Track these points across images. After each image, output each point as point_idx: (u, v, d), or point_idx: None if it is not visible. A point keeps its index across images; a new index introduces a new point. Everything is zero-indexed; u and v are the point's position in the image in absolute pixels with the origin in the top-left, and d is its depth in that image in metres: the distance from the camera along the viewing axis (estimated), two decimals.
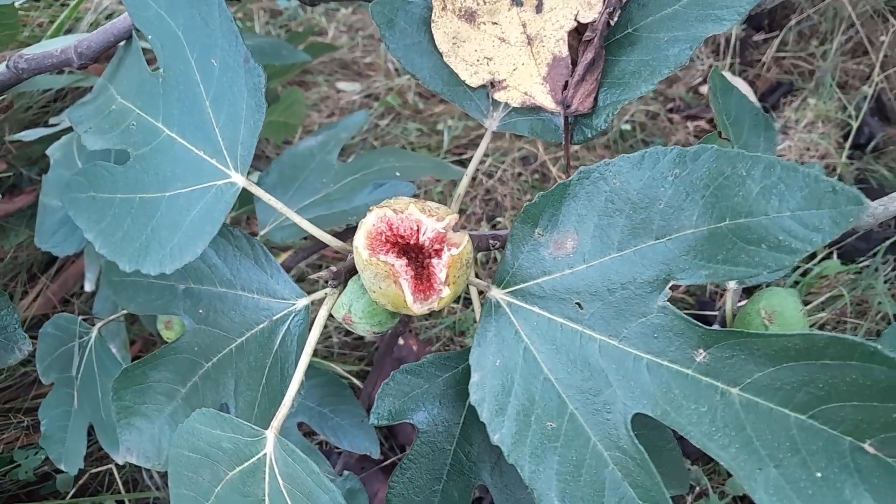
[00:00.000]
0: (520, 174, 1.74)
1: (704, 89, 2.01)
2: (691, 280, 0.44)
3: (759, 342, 0.41)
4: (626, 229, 0.46)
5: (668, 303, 0.45)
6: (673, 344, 0.45)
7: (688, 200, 0.43)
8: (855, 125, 1.76)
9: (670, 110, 1.94)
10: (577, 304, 0.48)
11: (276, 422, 0.52)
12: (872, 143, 1.76)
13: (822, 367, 0.39)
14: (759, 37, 2.11)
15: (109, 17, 1.49)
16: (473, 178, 1.69)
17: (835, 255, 1.53)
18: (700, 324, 0.44)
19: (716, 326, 0.68)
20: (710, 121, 1.92)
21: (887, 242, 1.55)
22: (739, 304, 0.68)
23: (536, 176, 1.74)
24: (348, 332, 1.41)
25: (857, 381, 0.38)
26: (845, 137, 1.77)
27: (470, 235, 0.56)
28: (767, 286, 0.68)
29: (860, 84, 1.91)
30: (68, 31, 1.43)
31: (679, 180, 0.43)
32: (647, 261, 0.45)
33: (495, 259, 1.52)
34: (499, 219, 1.64)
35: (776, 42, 2.03)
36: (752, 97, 1.97)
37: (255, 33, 1.46)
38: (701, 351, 0.44)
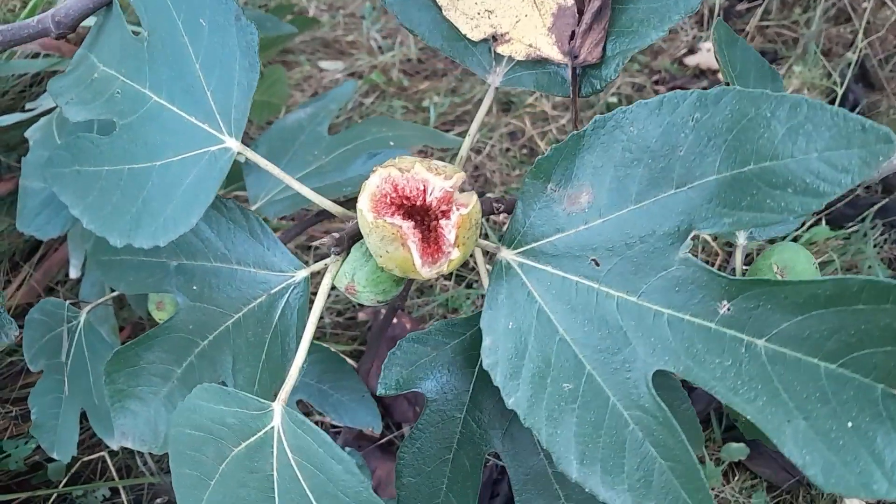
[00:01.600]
0: (507, 149, 1.72)
1: (689, 60, 2.00)
2: (714, 229, 0.42)
3: (786, 290, 0.40)
4: (645, 179, 0.44)
5: (690, 254, 0.43)
6: (695, 297, 0.43)
7: (709, 145, 0.41)
8: (840, 92, 1.76)
9: (656, 82, 1.93)
10: (594, 260, 0.46)
11: (284, 394, 0.50)
12: (857, 110, 1.76)
13: (853, 313, 0.38)
14: (742, 6, 2.10)
15: None
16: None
17: (823, 222, 1.53)
18: (724, 274, 0.42)
19: None
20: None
21: (874, 207, 1.55)
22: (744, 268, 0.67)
23: (525, 151, 1.72)
24: (340, 313, 1.39)
25: (891, 326, 0.37)
26: (830, 104, 1.77)
27: None
28: (771, 242, 0.67)
29: (843, 51, 1.91)
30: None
31: (700, 125, 0.41)
32: (667, 211, 0.43)
33: (496, 226, 1.50)
34: (488, 194, 1.62)
35: (760, 11, 2.02)
36: None
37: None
38: (724, 303, 0.42)
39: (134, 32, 0.60)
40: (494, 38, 0.55)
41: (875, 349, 0.38)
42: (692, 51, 2.00)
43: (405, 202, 0.48)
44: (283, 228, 1.19)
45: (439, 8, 0.55)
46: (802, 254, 0.58)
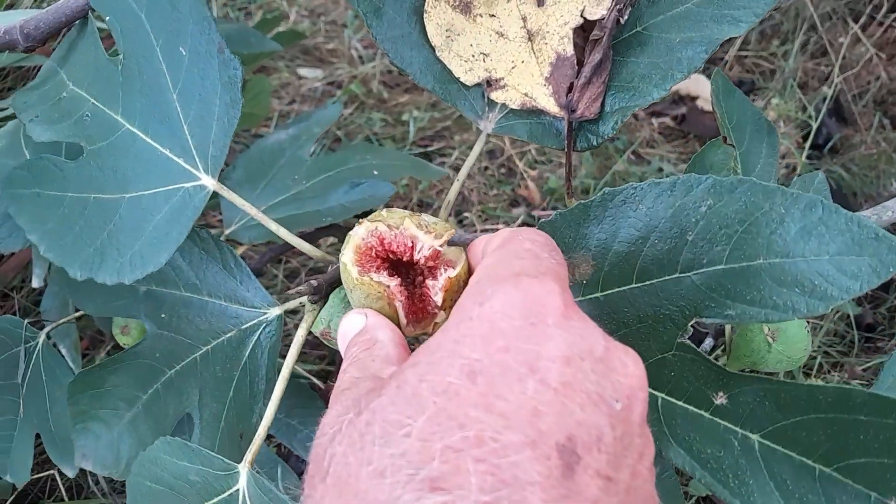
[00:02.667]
0: (486, 168, 1.70)
1: None
2: (716, 319, 0.40)
3: (787, 389, 0.39)
4: (649, 259, 0.42)
5: (688, 341, 0.42)
6: (691, 384, 0.42)
7: (720, 234, 0.40)
8: (815, 125, 1.78)
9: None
10: None
11: (250, 455, 0.48)
12: (830, 144, 1.79)
13: (854, 423, 0.37)
14: None
15: None
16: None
17: None
18: (721, 366, 0.41)
19: (709, 341, 0.66)
20: (675, 118, 1.92)
21: None
22: None
23: (503, 170, 1.71)
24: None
25: (891, 440, 0.36)
26: (805, 137, 1.79)
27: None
28: None
29: (819, 84, 1.93)
30: (10, 7, 1.34)
31: (712, 212, 0.40)
32: (669, 295, 0.42)
33: None
34: (466, 213, 1.60)
35: (739, 41, 2.04)
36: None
37: (220, 18, 1.38)
38: (721, 393, 0.41)
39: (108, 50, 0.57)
40: (489, 82, 0.53)
41: (872, 459, 0.37)
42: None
43: (391, 255, 0.46)
44: (258, 247, 1.15)
45: (433, 48, 0.53)
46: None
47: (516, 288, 0.29)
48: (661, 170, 1.74)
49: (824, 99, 1.82)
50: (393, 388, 0.27)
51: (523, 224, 1.59)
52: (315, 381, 1.25)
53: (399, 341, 0.36)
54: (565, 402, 0.26)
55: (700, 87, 1.99)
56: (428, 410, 0.26)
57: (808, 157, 1.75)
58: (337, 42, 1.90)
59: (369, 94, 1.77)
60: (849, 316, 1.44)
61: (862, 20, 1.97)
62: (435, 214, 0.54)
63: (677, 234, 0.41)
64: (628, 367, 0.29)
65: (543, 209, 1.64)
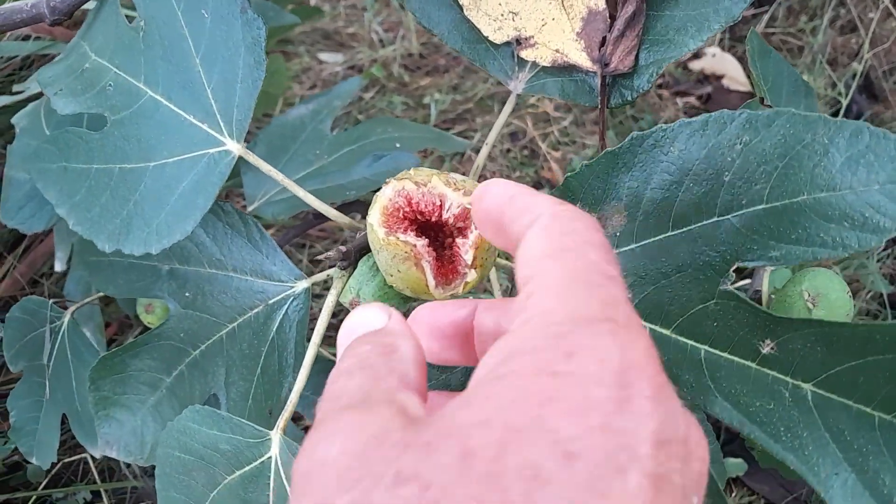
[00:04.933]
0: (508, 150, 1.68)
1: (694, 65, 1.97)
2: (760, 262, 0.38)
3: (840, 332, 0.37)
4: (685, 204, 0.40)
5: (733, 287, 0.40)
6: (736, 333, 0.40)
7: (759, 171, 0.38)
8: (844, 102, 1.74)
9: (659, 86, 1.90)
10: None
11: (282, 422, 0.47)
12: (861, 121, 1.75)
13: None
14: (748, 12, 2.07)
15: None
16: (462, 154, 1.63)
17: None
18: (768, 311, 0.39)
19: None
20: (700, 97, 1.89)
21: None
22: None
23: (526, 152, 1.69)
24: (335, 314, 1.35)
25: None
26: (835, 115, 1.75)
27: None
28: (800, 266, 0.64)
29: (849, 61, 1.88)
30: None
31: (749, 149, 0.38)
32: (708, 240, 0.40)
33: None
34: None
35: (766, 17, 1.99)
36: (742, 74, 1.94)
37: None
38: (768, 341, 0.39)
39: (129, 18, 0.56)
40: (518, 41, 0.51)
41: None
42: (697, 55, 1.97)
43: (419, 217, 0.45)
44: (280, 225, 1.15)
45: (461, 7, 0.51)
46: (836, 281, 0.55)
47: (613, 340, 0.23)
48: None
49: (854, 75, 1.78)
50: (455, 455, 0.20)
51: None
52: None
53: (421, 362, 0.28)
54: (659, 499, 0.21)
55: (726, 65, 1.96)
56: (515, 501, 0.19)
57: None
58: (357, 26, 1.88)
59: (390, 78, 1.76)
60: (881, 295, 1.41)
61: None
62: None
63: (713, 176, 0.39)
64: (700, 450, 0.24)
65: None
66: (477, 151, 1.65)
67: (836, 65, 1.88)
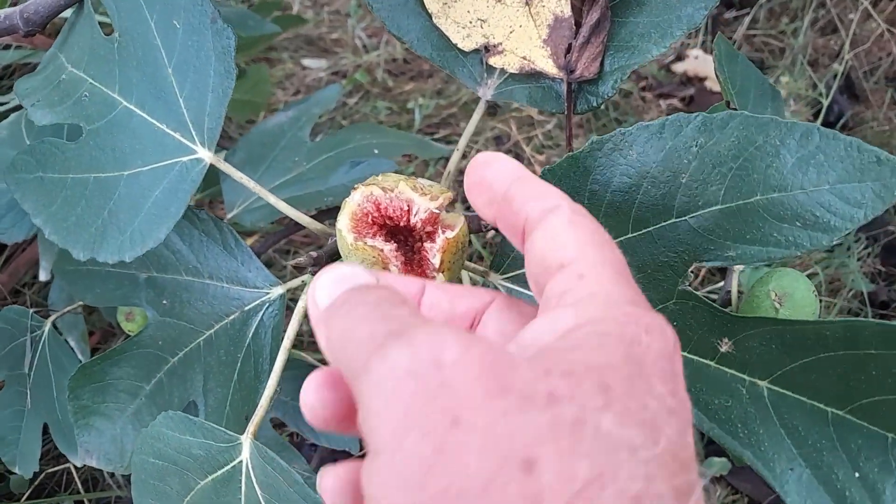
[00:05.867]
0: None
1: (677, 67, 1.99)
2: (717, 262, 0.39)
3: (792, 330, 0.38)
4: (644, 206, 0.41)
5: (690, 287, 0.41)
6: (694, 333, 0.41)
7: (714, 173, 0.39)
8: (825, 103, 1.75)
9: (643, 88, 1.91)
10: None
11: (252, 426, 0.47)
12: (842, 121, 1.76)
13: (864, 358, 0.36)
14: (730, 14, 2.09)
15: None
16: (446, 159, 1.64)
17: None
18: (725, 311, 0.40)
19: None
20: (683, 99, 1.90)
21: None
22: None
23: (510, 156, 1.70)
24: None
25: None
26: (816, 115, 1.77)
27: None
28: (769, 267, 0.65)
29: (830, 62, 1.90)
30: (14, 5, 1.34)
31: (704, 151, 0.39)
32: (666, 241, 0.41)
33: (480, 257, 1.47)
34: None
35: (747, 20, 2.01)
36: None
37: (217, 1, 1.38)
38: (725, 340, 0.40)
39: (103, 25, 0.57)
40: (486, 48, 0.52)
41: (886, 396, 0.36)
42: (680, 58, 1.99)
43: (388, 222, 0.45)
44: (265, 231, 1.15)
45: (429, 15, 0.52)
46: (802, 281, 0.56)
47: (667, 326, 0.25)
48: None
49: (835, 76, 1.80)
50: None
51: None
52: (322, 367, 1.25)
53: None
54: None
55: (708, 67, 1.97)
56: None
57: None
58: (340, 31, 1.89)
59: (374, 83, 1.77)
60: (862, 293, 1.42)
61: None
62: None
63: (670, 178, 0.40)
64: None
65: None
66: (462, 156, 1.66)
67: (817, 66, 1.90)
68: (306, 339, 1.31)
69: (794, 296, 0.55)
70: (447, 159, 1.65)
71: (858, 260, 1.51)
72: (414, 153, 0.83)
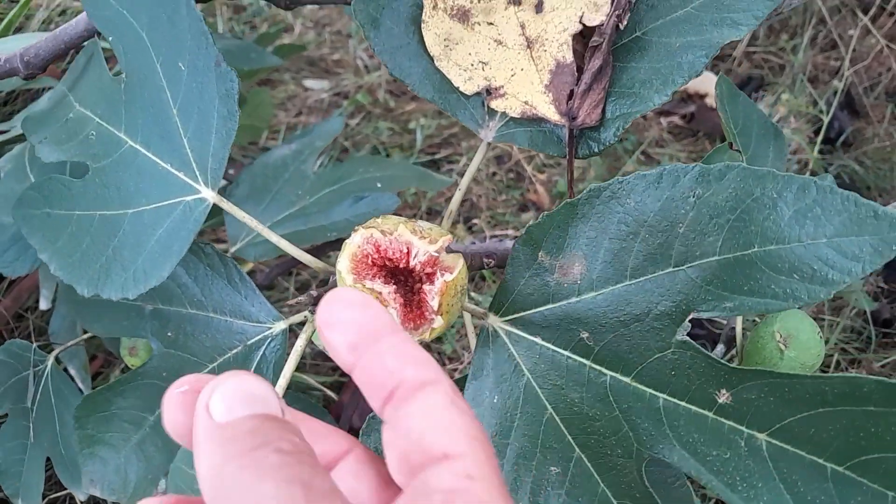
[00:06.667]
0: (494, 174, 1.70)
1: None
2: (714, 313, 0.40)
3: (791, 384, 0.38)
4: (642, 255, 0.42)
5: (689, 337, 0.41)
6: (693, 383, 0.41)
7: (711, 224, 0.39)
8: (826, 120, 1.76)
9: None
10: (585, 335, 0.44)
11: None
12: (842, 138, 1.77)
13: (864, 414, 0.36)
14: None
15: (62, 13, 1.41)
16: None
17: None
18: (723, 362, 0.40)
19: (720, 347, 0.65)
20: (684, 116, 1.91)
21: None
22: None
23: (511, 175, 1.70)
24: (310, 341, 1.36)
25: None
26: (816, 132, 1.77)
27: (463, 255, 0.52)
28: None
29: (830, 78, 1.91)
30: (18, 30, 1.35)
31: (701, 202, 0.39)
32: (664, 290, 0.41)
33: (483, 277, 1.47)
34: (475, 220, 1.60)
35: (747, 37, 2.03)
36: None
37: (220, 34, 1.39)
38: (724, 391, 0.40)
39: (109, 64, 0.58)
40: (488, 91, 0.52)
41: (885, 454, 0.36)
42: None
43: (387, 263, 0.46)
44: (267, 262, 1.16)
45: (431, 58, 0.53)
46: (807, 322, 0.56)
47: None
48: None
49: (835, 92, 1.80)
50: None
51: None
52: (329, 392, 1.25)
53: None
54: None
55: (708, 84, 1.98)
56: None
57: (821, 152, 1.73)
58: (342, 52, 1.90)
59: (375, 104, 1.78)
60: (865, 312, 1.43)
61: (872, 11, 1.95)
62: (442, 224, 0.54)
63: (668, 228, 0.40)
64: None
65: None
66: (462, 175, 1.67)
67: (818, 82, 1.90)
68: (308, 362, 1.31)
69: (798, 337, 0.56)
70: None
71: (861, 279, 1.51)
72: (416, 186, 0.84)
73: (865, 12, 1.93)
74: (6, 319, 1.09)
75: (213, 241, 1.32)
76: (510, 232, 1.59)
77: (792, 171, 1.72)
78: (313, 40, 1.92)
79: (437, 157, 1.69)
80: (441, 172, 1.69)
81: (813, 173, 1.69)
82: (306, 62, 1.88)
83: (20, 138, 0.88)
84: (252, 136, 1.27)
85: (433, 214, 1.57)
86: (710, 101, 1.93)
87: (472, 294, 1.42)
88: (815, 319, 1.45)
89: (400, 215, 0.52)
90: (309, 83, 1.81)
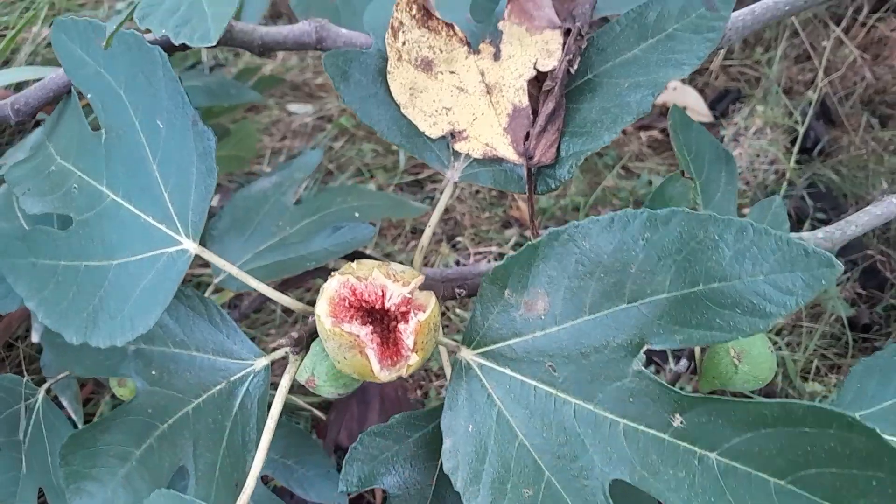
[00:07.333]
0: (477, 192, 1.73)
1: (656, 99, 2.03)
2: (665, 345, 0.43)
3: (736, 408, 0.41)
4: (598, 292, 0.45)
5: (648, 364, 0.44)
6: (649, 408, 0.44)
7: (660, 264, 0.42)
8: (801, 130, 1.80)
9: None
10: (551, 366, 0.47)
11: (241, 502, 0.50)
12: (819, 147, 1.80)
13: (800, 435, 0.39)
14: None
15: (48, 46, 1.43)
16: (431, 198, 1.68)
17: None
18: (676, 389, 0.43)
19: (683, 362, 0.68)
20: (663, 130, 1.94)
21: (837, 248, 1.58)
22: None
23: (494, 193, 1.73)
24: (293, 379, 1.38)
25: (835, 449, 0.38)
26: (793, 142, 1.81)
27: (434, 289, 0.54)
28: None
29: (804, 89, 1.95)
30: (6, 64, 1.37)
31: (650, 244, 0.43)
32: (620, 325, 0.44)
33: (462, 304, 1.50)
34: (458, 238, 1.62)
35: (722, 51, 2.07)
36: (703, 105, 2.00)
37: (201, 71, 1.41)
38: (677, 416, 0.43)
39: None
40: (452, 134, 0.55)
41: (822, 469, 0.39)
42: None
43: (364, 304, 0.49)
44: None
45: (398, 106, 0.56)
46: (759, 338, 0.59)
47: None
48: (650, 183, 1.76)
49: (810, 103, 1.84)
50: None
51: (517, 245, 1.61)
52: (317, 412, 1.27)
53: None
54: None
55: (687, 98, 2.02)
56: None
57: (798, 162, 1.77)
58: (324, 77, 1.93)
59: (359, 126, 1.81)
60: (843, 317, 1.45)
61: (844, 22, 1.99)
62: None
63: (620, 268, 0.44)
64: None
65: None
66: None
67: (793, 93, 1.94)
68: (295, 384, 1.33)
69: (751, 352, 0.59)
70: (431, 199, 1.69)
71: (838, 285, 1.54)
72: (391, 215, 0.87)
73: (838, 23, 1.98)
74: None
75: (198, 267, 1.34)
76: (494, 249, 1.61)
77: (769, 181, 1.75)
78: (296, 65, 1.95)
79: (420, 176, 1.72)
80: (424, 192, 1.72)
81: (790, 183, 1.72)
82: (290, 87, 1.91)
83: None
84: (237, 167, 1.29)
85: (417, 233, 1.60)
86: (690, 113, 1.97)
87: (458, 311, 1.45)
88: (794, 328, 1.48)
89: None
90: (293, 107, 1.84)
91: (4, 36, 1.34)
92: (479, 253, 1.61)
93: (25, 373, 0.92)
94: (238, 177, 1.63)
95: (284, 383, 0.54)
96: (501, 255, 1.60)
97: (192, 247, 0.54)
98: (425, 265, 1.55)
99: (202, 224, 0.52)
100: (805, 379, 1.38)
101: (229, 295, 1.09)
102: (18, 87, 1.25)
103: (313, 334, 0.56)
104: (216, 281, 0.81)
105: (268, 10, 1.84)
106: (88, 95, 0.56)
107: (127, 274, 0.54)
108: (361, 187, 1.05)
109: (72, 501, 0.62)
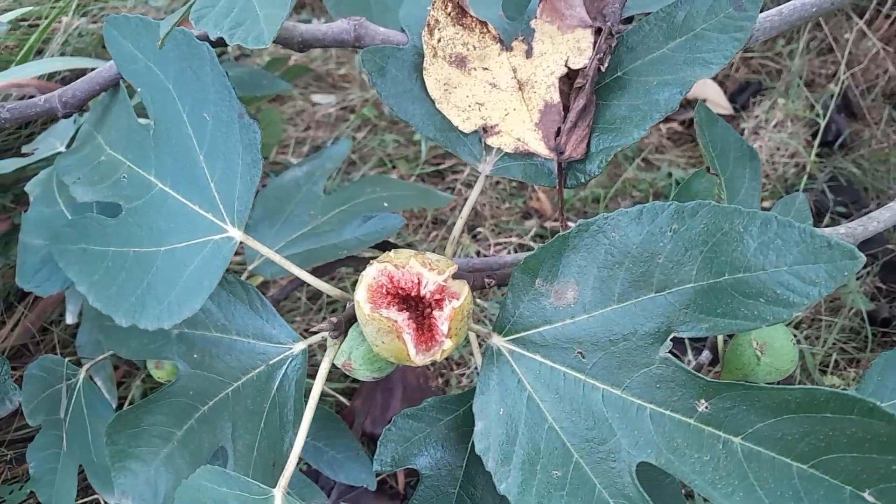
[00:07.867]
0: (497, 183, 1.74)
1: None
2: (691, 333, 0.45)
3: (760, 394, 0.43)
4: (627, 282, 0.47)
5: (670, 354, 0.46)
6: (675, 394, 0.46)
7: (687, 255, 0.44)
8: (823, 123, 1.79)
9: None
10: (580, 353, 0.49)
11: (284, 480, 0.52)
12: (840, 140, 1.80)
13: (822, 420, 0.41)
14: None
15: (80, 36, 1.46)
16: (452, 189, 1.70)
17: None
18: (701, 375, 0.45)
19: (706, 353, 0.70)
20: (683, 122, 1.94)
21: (857, 243, 1.58)
22: None
23: (514, 184, 1.75)
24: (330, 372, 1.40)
25: (856, 434, 0.40)
26: (814, 136, 1.80)
27: (466, 278, 0.57)
28: None
29: (826, 82, 1.94)
30: (38, 54, 1.40)
31: (678, 235, 0.44)
32: (647, 313, 0.46)
33: (482, 294, 1.51)
34: (479, 228, 1.64)
35: None
36: (723, 98, 2.00)
37: (232, 62, 1.44)
38: (703, 401, 0.45)
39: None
40: (485, 129, 0.57)
41: (843, 454, 0.41)
42: None
43: (401, 291, 0.51)
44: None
45: (432, 101, 0.58)
46: (781, 330, 0.61)
47: None
48: (670, 175, 1.77)
49: (832, 96, 1.84)
50: None
51: (536, 236, 1.62)
52: (341, 398, 1.30)
53: None
54: None
55: (707, 90, 2.01)
56: None
57: (819, 155, 1.76)
58: (348, 67, 1.95)
59: (381, 117, 1.83)
60: (862, 311, 1.46)
61: (867, 15, 1.97)
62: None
63: (649, 258, 0.46)
64: None
65: (555, 220, 1.67)
66: (467, 185, 1.71)
67: (814, 86, 1.94)
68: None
69: (773, 344, 0.60)
70: (452, 189, 1.70)
71: (858, 279, 1.54)
72: (419, 205, 0.89)
73: (861, 16, 1.96)
74: (32, 333, 1.14)
75: (232, 264, 1.37)
76: (514, 240, 1.63)
77: (789, 174, 1.75)
78: (319, 56, 1.97)
79: (441, 167, 1.74)
80: (446, 182, 1.74)
81: (810, 176, 1.72)
82: (313, 78, 1.93)
83: (46, 161, 0.93)
84: (263, 154, 1.32)
85: (438, 223, 1.62)
86: (710, 105, 1.97)
87: (478, 301, 1.47)
88: (813, 321, 1.48)
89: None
90: (316, 98, 1.86)
91: (37, 27, 1.37)
92: (500, 243, 1.63)
93: (60, 355, 0.95)
94: (263, 166, 1.66)
95: (325, 366, 0.56)
96: (521, 246, 1.62)
97: (237, 234, 0.56)
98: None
99: (247, 213, 0.55)
100: (824, 372, 1.39)
101: (257, 282, 1.11)
102: (51, 76, 1.28)
103: (350, 320, 0.59)
104: (250, 268, 0.83)
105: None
106: (138, 90, 0.59)
107: (174, 260, 0.57)
108: (389, 178, 1.07)
109: (117, 479, 0.65)
